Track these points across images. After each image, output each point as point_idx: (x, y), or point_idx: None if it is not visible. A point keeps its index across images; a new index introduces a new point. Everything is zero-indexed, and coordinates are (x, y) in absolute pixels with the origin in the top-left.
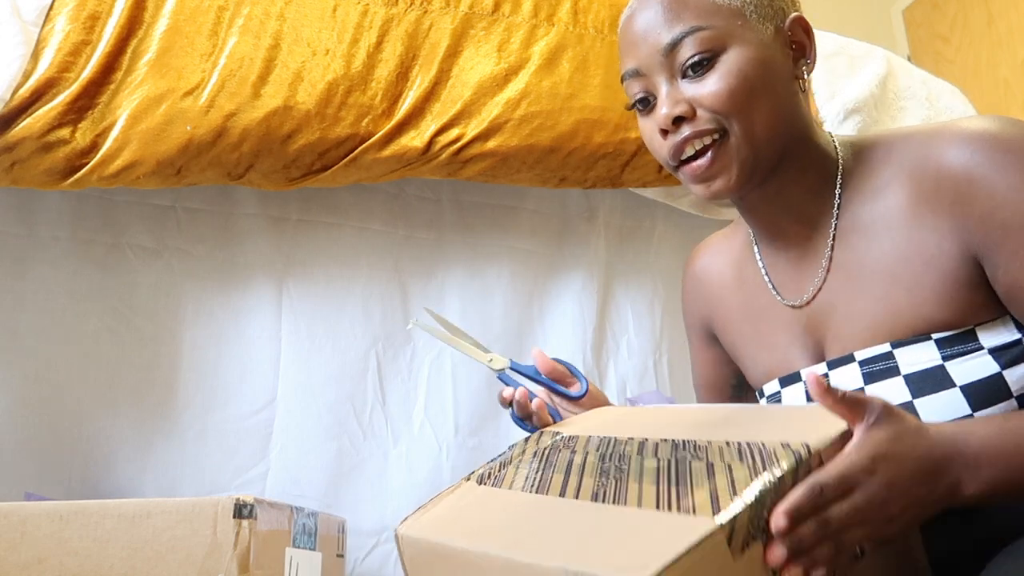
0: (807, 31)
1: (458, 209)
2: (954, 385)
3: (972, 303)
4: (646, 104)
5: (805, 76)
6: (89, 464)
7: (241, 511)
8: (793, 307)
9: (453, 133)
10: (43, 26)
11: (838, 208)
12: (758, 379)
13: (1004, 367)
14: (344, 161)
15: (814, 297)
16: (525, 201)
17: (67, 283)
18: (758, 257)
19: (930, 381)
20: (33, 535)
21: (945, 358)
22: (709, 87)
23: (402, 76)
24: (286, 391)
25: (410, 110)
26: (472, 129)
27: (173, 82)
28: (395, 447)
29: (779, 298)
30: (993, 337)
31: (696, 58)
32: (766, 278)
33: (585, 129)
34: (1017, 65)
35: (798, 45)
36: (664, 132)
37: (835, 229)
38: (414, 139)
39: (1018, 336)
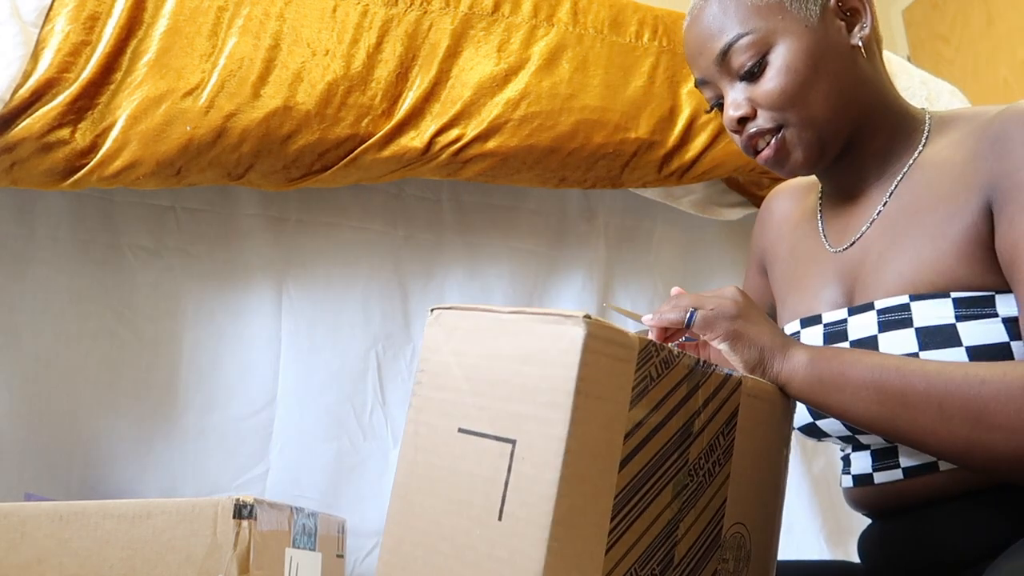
0: None
1: (458, 209)
2: (961, 344)
3: (992, 266)
4: (720, 106)
5: (861, 43)
6: (89, 464)
7: (241, 511)
8: (835, 252)
9: (453, 133)
10: (43, 27)
11: (906, 172)
12: (784, 318)
13: (1013, 339)
14: (344, 161)
15: (853, 244)
16: (525, 201)
17: (67, 283)
18: (819, 204)
19: (939, 336)
20: (33, 535)
21: (959, 318)
22: (763, 88)
23: (402, 76)
24: (286, 391)
25: (410, 110)
26: (472, 129)
27: (173, 82)
28: (395, 447)
29: (825, 243)
30: (1011, 307)
31: (747, 65)
32: (820, 222)
33: (585, 129)
34: (1017, 65)
35: (852, 12)
36: (734, 130)
37: (896, 186)
38: (414, 139)
39: None
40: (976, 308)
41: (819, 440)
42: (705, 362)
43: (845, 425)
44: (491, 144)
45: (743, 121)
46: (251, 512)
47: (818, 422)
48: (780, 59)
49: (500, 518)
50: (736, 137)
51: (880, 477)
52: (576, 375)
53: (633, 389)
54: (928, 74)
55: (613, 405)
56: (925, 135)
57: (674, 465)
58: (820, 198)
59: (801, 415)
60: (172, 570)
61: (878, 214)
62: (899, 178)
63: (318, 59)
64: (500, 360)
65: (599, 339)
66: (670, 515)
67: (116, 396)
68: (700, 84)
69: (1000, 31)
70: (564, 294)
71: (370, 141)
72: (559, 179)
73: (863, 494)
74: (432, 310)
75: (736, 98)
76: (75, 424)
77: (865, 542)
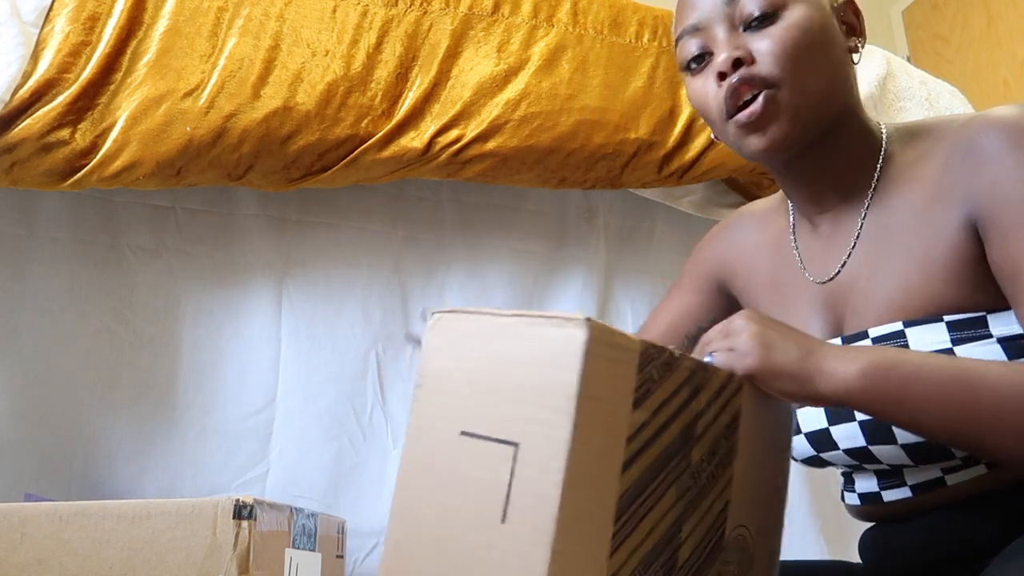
0: (857, 14)
1: (458, 209)
2: None
3: (980, 284)
4: (700, 61)
5: (859, 50)
6: (89, 464)
7: (241, 512)
8: (819, 283)
9: (453, 134)
10: (43, 27)
11: (874, 188)
12: None
13: (1011, 358)
14: (344, 162)
15: (837, 273)
16: (525, 201)
17: (67, 283)
18: (792, 232)
19: None
20: (33, 536)
21: (955, 341)
22: (771, 38)
23: (402, 77)
24: (286, 391)
25: (410, 111)
26: (472, 130)
27: (173, 83)
28: (395, 447)
29: (806, 273)
30: (1004, 326)
31: (759, 11)
32: (796, 252)
33: (585, 130)
34: (1017, 65)
35: (848, 26)
36: (722, 76)
37: (868, 206)
38: (414, 140)
39: None
40: (970, 330)
41: (822, 468)
42: (706, 365)
43: (849, 455)
44: (491, 144)
45: (738, 64)
46: (251, 512)
47: (822, 454)
48: (797, 18)
49: (503, 521)
50: (715, 87)
51: (888, 496)
52: (579, 378)
53: (635, 391)
54: (928, 74)
55: (616, 407)
56: (883, 149)
57: (676, 468)
58: (792, 222)
59: (803, 449)
60: (172, 570)
61: (857, 237)
62: (869, 196)
63: (318, 59)
64: (501, 363)
65: (601, 342)
66: (673, 518)
67: (116, 396)
68: (689, 32)
69: (1000, 31)
70: (564, 294)
71: (370, 141)
72: (559, 179)
73: (870, 511)
74: (432, 313)
75: (736, 41)
76: (75, 424)
77: (867, 543)
